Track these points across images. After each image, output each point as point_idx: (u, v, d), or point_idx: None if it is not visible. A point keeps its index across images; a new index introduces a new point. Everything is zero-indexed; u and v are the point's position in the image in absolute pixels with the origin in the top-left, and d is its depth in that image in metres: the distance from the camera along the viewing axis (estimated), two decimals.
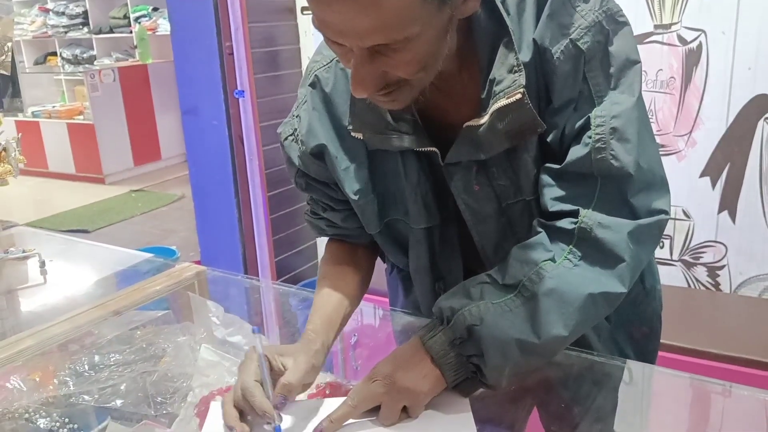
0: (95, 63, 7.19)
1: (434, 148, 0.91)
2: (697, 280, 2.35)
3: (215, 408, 0.93)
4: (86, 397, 1.03)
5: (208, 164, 2.98)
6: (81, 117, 6.57)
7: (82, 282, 1.55)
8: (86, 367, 1.08)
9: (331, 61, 0.97)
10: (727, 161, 2.19)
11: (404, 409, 0.86)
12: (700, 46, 2.15)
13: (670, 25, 2.18)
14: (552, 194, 0.87)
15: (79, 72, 6.75)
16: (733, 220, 2.24)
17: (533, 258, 0.85)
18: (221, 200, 3.00)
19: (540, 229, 0.88)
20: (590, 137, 0.83)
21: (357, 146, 0.97)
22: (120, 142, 6.54)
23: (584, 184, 0.85)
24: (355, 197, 0.99)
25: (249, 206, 2.85)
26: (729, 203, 2.23)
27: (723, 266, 2.29)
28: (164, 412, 1.11)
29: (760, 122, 2.12)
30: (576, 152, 0.84)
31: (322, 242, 3.35)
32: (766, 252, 2.20)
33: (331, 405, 0.91)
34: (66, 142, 6.55)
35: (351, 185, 0.98)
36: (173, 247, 4.02)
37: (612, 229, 0.83)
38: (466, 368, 0.87)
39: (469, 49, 0.86)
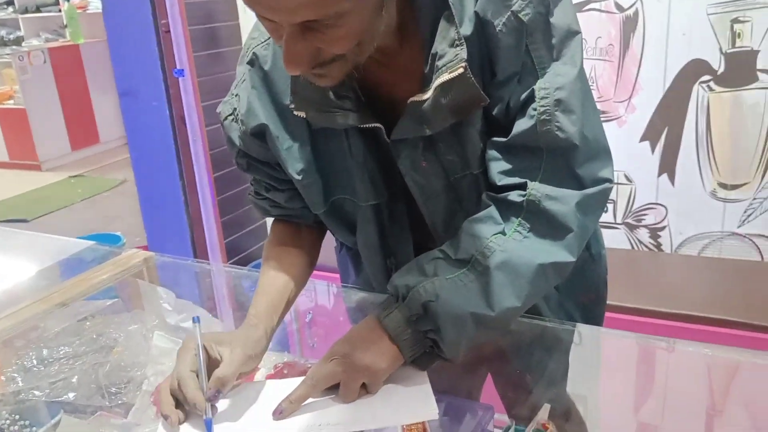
0: (23, 44, 6.87)
1: (379, 125, 0.90)
2: (639, 241, 2.42)
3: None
4: (36, 392, 1.01)
5: (150, 147, 2.90)
6: (11, 102, 6.28)
7: (24, 274, 1.49)
8: (34, 361, 1.05)
9: (269, 38, 0.95)
10: (665, 125, 2.26)
11: (363, 386, 0.87)
12: (636, 12, 2.19)
13: None
14: (499, 168, 0.88)
15: (6, 54, 6.44)
16: (672, 183, 2.31)
17: (483, 232, 0.86)
18: (166, 183, 2.93)
19: (489, 203, 0.89)
20: (535, 109, 0.83)
21: (299, 125, 0.95)
22: (55, 126, 6.29)
23: (530, 157, 0.86)
24: (299, 177, 0.98)
25: (195, 188, 2.79)
26: (668, 166, 2.30)
27: (664, 227, 2.37)
28: (119, 402, 1.09)
29: (695, 86, 2.19)
30: (521, 125, 0.85)
31: (270, 221, 3.32)
32: (704, 212, 2.29)
33: (275, 386, 0.92)
34: None
35: (294, 165, 0.97)
36: (118, 233, 3.92)
37: (560, 200, 0.85)
38: (423, 343, 0.88)
39: (411, 24, 0.85)
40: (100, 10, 2.85)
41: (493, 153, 0.89)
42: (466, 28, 0.83)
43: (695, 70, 2.16)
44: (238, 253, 3.14)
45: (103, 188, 5.59)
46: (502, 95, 0.86)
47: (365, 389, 0.87)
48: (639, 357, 1.14)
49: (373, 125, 0.90)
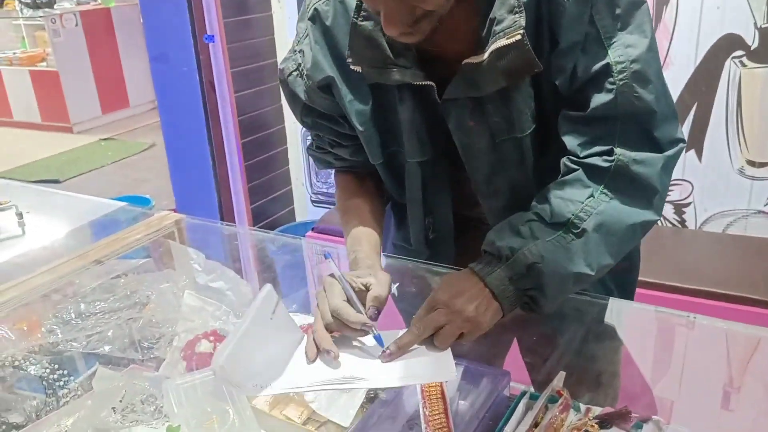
0: (55, 7, 6.92)
1: (431, 83, 0.94)
2: (664, 217, 2.42)
3: (259, 299, 0.95)
4: (74, 344, 1.06)
5: (180, 112, 2.94)
6: (44, 64, 6.37)
7: (60, 232, 1.55)
8: (72, 315, 1.10)
9: None
10: (695, 101, 2.23)
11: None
12: None
13: None
14: (578, 140, 0.92)
15: (39, 17, 6.50)
16: (700, 159, 2.29)
17: (576, 196, 0.91)
18: (194, 148, 2.97)
19: (575, 167, 0.93)
20: (614, 84, 0.87)
21: (359, 79, 0.99)
22: (86, 89, 6.37)
23: (607, 125, 0.90)
24: (362, 128, 1.02)
25: (223, 153, 2.84)
26: (696, 142, 2.28)
27: (689, 203, 2.36)
28: (151, 356, 1.14)
29: (728, 62, 2.16)
30: (600, 98, 0.88)
31: (297, 188, 3.36)
32: (730, 189, 2.27)
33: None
34: (30, 90, 6.36)
35: (357, 116, 1.01)
36: (147, 196, 3.99)
37: (646, 164, 0.90)
38: (521, 300, 0.93)
39: None
40: None
41: (569, 126, 0.93)
42: None
43: (728, 44, 2.13)
44: (264, 219, 3.19)
45: (132, 151, 5.68)
46: (563, 64, 0.89)
47: (459, 339, 0.91)
48: (658, 331, 1.16)
49: (425, 83, 0.94)
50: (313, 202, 3.30)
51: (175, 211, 2.85)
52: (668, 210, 2.40)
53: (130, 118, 6.71)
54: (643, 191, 0.91)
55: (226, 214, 3.01)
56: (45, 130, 6.40)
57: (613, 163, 0.90)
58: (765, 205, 2.25)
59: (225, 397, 0.93)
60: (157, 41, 2.86)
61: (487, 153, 0.99)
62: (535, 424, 0.94)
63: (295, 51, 1.05)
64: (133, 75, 6.74)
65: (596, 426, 0.95)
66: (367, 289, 0.92)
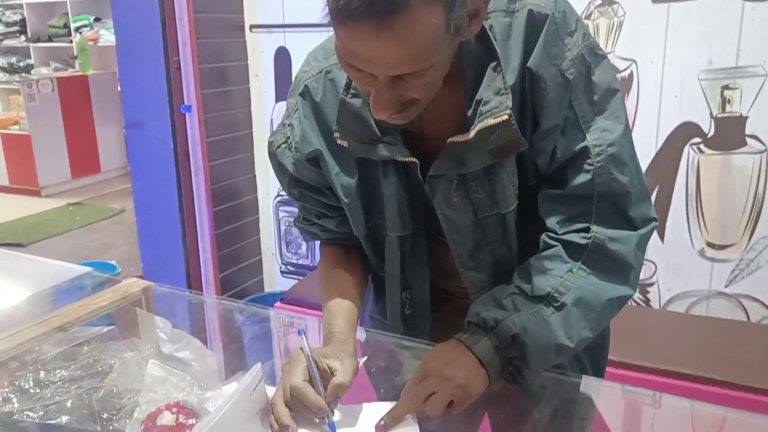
0: (32, 72, 6.98)
1: (415, 160, 0.97)
2: None
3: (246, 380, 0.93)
4: (31, 414, 1.02)
5: (152, 178, 2.95)
6: (16, 127, 6.35)
7: (22, 296, 1.51)
8: (31, 383, 1.06)
9: (320, 71, 1.03)
10: (656, 184, 2.32)
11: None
12: (631, 74, 2.27)
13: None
14: (557, 218, 0.97)
15: (16, 81, 6.54)
16: (662, 240, 2.36)
17: (555, 271, 0.95)
18: (165, 214, 2.97)
19: (553, 243, 0.97)
20: (591, 165, 0.92)
21: (346, 153, 1.02)
22: (57, 153, 6.35)
23: (583, 203, 0.95)
24: (347, 200, 1.05)
25: (193, 221, 2.84)
26: (658, 223, 2.35)
27: (653, 283, 2.41)
28: (110, 428, 1.10)
29: (686, 148, 2.26)
30: (579, 179, 0.93)
31: (266, 258, 3.35)
32: (692, 270, 2.33)
33: (371, 408, 0.96)
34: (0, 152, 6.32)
35: (343, 189, 1.04)
36: (113, 262, 3.94)
37: (621, 242, 0.94)
38: (506, 370, 0.96)
39: (456, 69, 0.92)
40: (111, 43, 2.93)
41: (548, 204, 0.97)
42: (510, 78, 0.90)
43: (686, 132, 2.24)
44: (233, 288, 3.16)
45: (101, 216, 5.62)
46: (544, 145, 0.94)
47: (449, 408, 0.91)
48: (625, 408, 1.16)
49: (409, 160, 0.97)
50: (282, 272, 3.28)
51: (141, 278, 2.81)
52: None
53: (101, 183, 6.67)
54: (619, 267, 0.94)
55: (194, 282, 2.98)
56: (13, 192, 6.32)
57: (590, 241, 0.94)
58: (725, 287, 2.31)
59: None
60: (134, 109, 2.90)
61: (471, 228, 1.02)
62: None
63: (285, 125, 1.08)
64: (107, 141, 6.75)
65: None
66: (332, 373, 0.93)
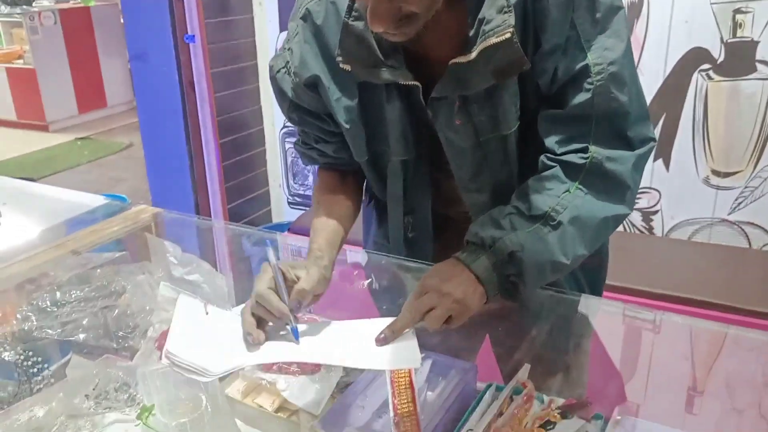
0: (34, 4, 6.85)
1: (417, 83, 0.98)
2: (632, 224, 2.48)
3: (183, 302, 0.98)
4: (49, 331, 1.07)
5: (158, 111, 2.94)
6: (20, 61, 6.30)
7: (37, 224, 1.55)
8: (48, 303, 1.11)
9: None
10: (663, 111, 2.30)
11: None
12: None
13: None
14: (556, 138, 0.97)
15: (17, 14, 6.44)
16: (667, 168, 2.36)
17: (553, 190, 0.96)
18: (172, 148, 2.98)
19: (552, 164, 0.98)
20: (591, 84, 0.92)
21: (347, 78, 1.02)
22: (63, 88, 6.31)
23: (583, 123, 0.95)
24: (347, 126, 1.05)
25: (201, 153, 2.85)
26: (663, 152, 2.35)
27: (656, 211, 2.43)
28: (125, 346, 1.15)
29: (695, 74, 2.23)
30: (578, 98, 0.93)
31: (274, 189, 3.38)
32: (696, 198, 2.34)
33: (344, 326, 1.00)
34: (6, 87, 6.28)
35: (342, 115, 1.05)
36: (123, 195, 3.97)
37: (618, 161, 0.95)
38: (503, 287, 0.97)
39: None
40: None
41: (547, 124, 0.98)
42: None
43: (695, 58, 2.20)
44: (240, 219, 3.19)
45: (108, 151, 5.64)
46: (546, 66, 0.94)
47: (447, 323, 0.94)
48: (627, 329, 1.20)
49: (411, 83, 0.97)
50: (290, 203, 3.31)
51: None
52: (636, 217, 2.47)
53: (108, 118, 6.65)
54: (615, 187, 0.96)
55: (202, 213, 3.01)
56: (20, 128, 6.33)
57: (587, 161, 0.95)
58: (728, 214, 2.32)
59: (198, 384, 0.95)
60: (137, 41, 2.87)
61: (473, 151, 1.03)
62: (500, 414, 0.98)
63: (285, 49, 1.08)
64: (112, 75, 6.69)
65: (558, 416, 0.98)
66: (298, 281, 0.97)
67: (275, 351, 0.93)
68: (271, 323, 0.97)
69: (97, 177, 5.05)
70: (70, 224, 1.68)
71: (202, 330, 0.95)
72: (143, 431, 0.95)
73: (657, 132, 2.33)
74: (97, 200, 1.74)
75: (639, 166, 0.97)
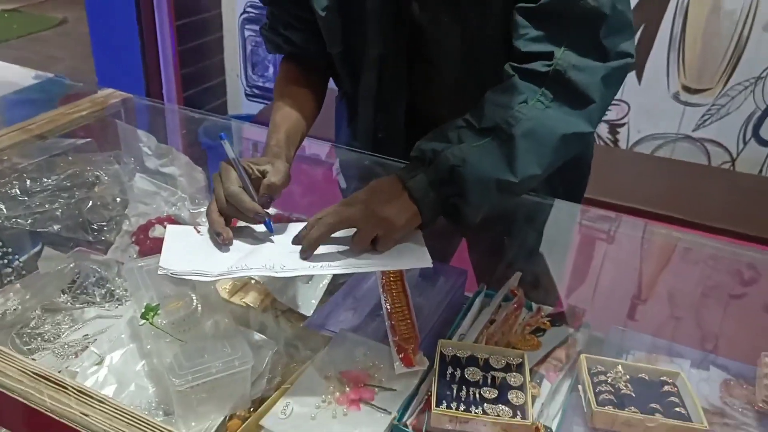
0: None
1: None
2: (598, 135, 2.50)
3: (172, 233, 0.93)
4: (20, 221, 1.00)
5: None
6: None
7: None
8: (17, 191, 1.03)
9: None
10: (642, 22, 2.27)
11: (373, 242, 0.87)
12: None
13: None
14: (525, 34, 0.88)
15: None
16: (639, 81, 2.36)
17: (508, 102, 0.87)
18: (120, 26, 2.77)
19: (512, 72, 0.89)
20: None
21: None
22: None
23: (557, 24, 0.87)
24: (323, 14, 0.98)
25: (153, 35, 2.66)
26: (638, 65, 2.34)
27: (623, 124, 2.45)
28: (101, 238, 1.10)
29: None
30: None
31: (231, 79, 3.22)
32: (665, 112, 2.36)
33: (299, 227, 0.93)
34: None
35: (319, 2, 0.98)
36: (62, 76, 3.72)
37: (585, 71, 0.86)
38: (444, 208, 0.89)
39: None
40: None
41: (519, 19, 0.89)
42: None
43: None
44: (196, 108, 3.06)
45: (41, 27, 5.23)
46: None
47: (373, 245, 0.87)
48: (590, 231, 1.21)
49: None
50: (247, 95, 3.18)
51: None
52: (603, 129, 2.48)
53: None
54: (579, 99, 0.87)
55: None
56: None
57: (551, 68, 0.86)
58: (693, 131, 2.36)
59: (186, 282, 0.91)
60: None
61: (459, 53, 0.98)
62: (491, 321, 0.99)
63: None
64: None
65: (548, 323, 1.00)
66: (263, 177, 0.91)
67: (276, 258, 0.88)
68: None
69: (32, 54, 4.71)
70: (21, 105, 1.56)
71: (194, 246, 0.90)
72: (127, 327, 0.92)
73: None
74: (47, 76, 1.61)
75: (610, 81, 0.88)
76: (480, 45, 0.96)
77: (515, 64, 0.89)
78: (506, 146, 0.86)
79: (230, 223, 0.90)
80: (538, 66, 0.87)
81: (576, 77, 0.86)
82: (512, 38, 0.90)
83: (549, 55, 0.87)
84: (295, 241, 0.87)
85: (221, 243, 0.87)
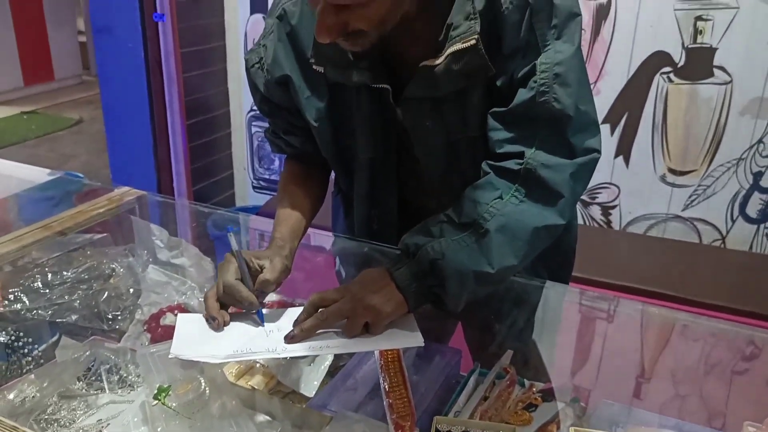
0: None
1: (387, 86, 1.00)
2: (591, 217, 2.58)
3: (183, 320, 1.00)
4: (41, 312, 1.07)
5: (122, 87, 2.87)
6: None
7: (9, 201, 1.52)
8: (39, 284, 1.11)
9: None
10: (626, 110, 2.39)
11: (366, 326, 0.95)
12: (609, 2, 2.30)
13: None
14: (498, 137, 0.97)
15: None
16: (627, 165, 2.46)
17: (484, 198, 0.95)
18: (135, 125, 2.92)
19: (488, 170, 0.98)
20: (535, 82, 0.92)
21: (319, 78, 1.04)
22: (8, 57, 6.04)
23: (528, 126, 0.94)
24: (315, 124, 1.08)
25: (165, 133, 2.81)
26: (624, 149, 2.45)
27: (615, 206, 2.53)
28: (116, 327, 1.16)
29: (657, 76, 2.33)
30: (522, 95, 0.93)
31: (238, 173, 3.35)
32: (653, 194, 2.45)
33: (296, 313, 1.00)
34: None
35: (311, 113, 1.07)
36: (78, 173, 3.87)
37: (554, 169, 0.93)
38: (428, 296, 0.97)
39: None
40: None
41: (493, 122, 0.97)
42: (479, 4, 0.92)
43: (658, 61, 2.30)
44: (204, 201, 3.17)
45: (57, 127, 5.46)
46: (507, 68, 0.95)
47: (366, 330, 0.95)
48: (586, 313, 1.26)
49: (381, 86, 0.99)
50: (254, 187, 3.30)
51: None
52: (596, 211, 2.57)
53: (55, 92, 6.42)
54: (550, 195, 0.94)
55: (165, 194, 2.98)
56: None
57: (522, 167, 0.94)
58: (682, 211, 2.44)
59: (195, 366, 0.97)
60: (102, 11, 2.79)
61: (443, 151, 1.05)
62: (485, 398, 1.03)
63: (260, 45, 1.10)
64: (59, 46, 6.44)
65: (540, 399, 1.04)
66: (261, 271, 0.99)
67: (278, 341, 0.95)
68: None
69: (48, 153, 4.90)
70: (34, 203, 1.64)
71: (203, 332, 0.97)
72: (139, 411, 0.97)
73: (619, 129, 2.42)
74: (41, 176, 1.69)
75: (578, 176, 0.95)
76: (461, 144, 1.04)
77: (491, 162, 0.98)
78: (482, 240, 0.94)
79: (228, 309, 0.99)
80: (511, 164, 0.95)
81: (546, 175, 0.93)
82: (488, 139, 0.99)
83: (520, 155, 0.95)
84: (288, 336, 0.95)
85: (215, 327, 0.95)
